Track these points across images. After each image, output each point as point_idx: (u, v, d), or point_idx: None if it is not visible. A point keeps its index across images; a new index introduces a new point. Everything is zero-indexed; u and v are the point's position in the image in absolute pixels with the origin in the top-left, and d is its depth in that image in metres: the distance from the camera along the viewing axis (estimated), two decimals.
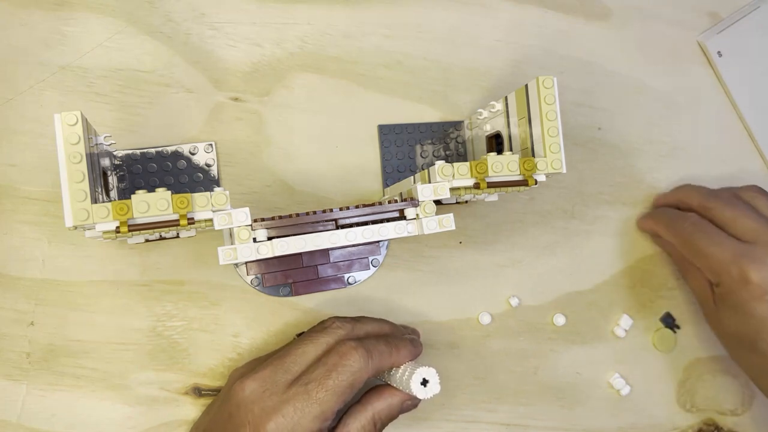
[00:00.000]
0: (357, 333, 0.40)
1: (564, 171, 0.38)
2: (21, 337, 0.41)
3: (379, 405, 0.39)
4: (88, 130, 0.34)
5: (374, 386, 0.40)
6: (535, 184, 0.38)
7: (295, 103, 0.46)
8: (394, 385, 0.39)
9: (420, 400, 0.39)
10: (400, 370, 0.39)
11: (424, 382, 0.37)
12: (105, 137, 0.39)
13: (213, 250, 0.43)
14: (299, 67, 0.46)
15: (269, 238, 0.35)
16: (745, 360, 0.45)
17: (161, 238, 0.42)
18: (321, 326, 0.40)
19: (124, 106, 0.44)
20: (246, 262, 0.43)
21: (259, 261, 0.43)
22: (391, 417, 0.39)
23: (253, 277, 0.44)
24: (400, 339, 0.40)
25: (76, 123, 0.32)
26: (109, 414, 0.42)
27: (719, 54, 0.53)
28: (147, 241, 0.42)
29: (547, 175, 0.38)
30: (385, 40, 0.48)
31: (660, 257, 0.51)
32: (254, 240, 0.34)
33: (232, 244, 0.34)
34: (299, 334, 0.42)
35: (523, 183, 0.38)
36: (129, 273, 0.43)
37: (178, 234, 0.41)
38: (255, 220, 0.34)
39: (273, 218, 0.35)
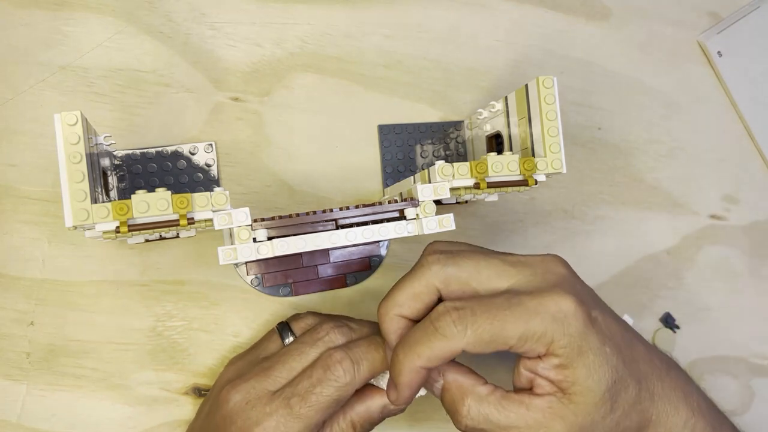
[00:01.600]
0: (353, 339, 0.38)
1: (564, 171, 0.38)
2: (21, 337, 0.41)
3: (359, 408, 0.37)
4: (88, 130, 0.34)
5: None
6: (535, 184, 0.38)
7: (295, 103, 0.46)
8: (377, 386, 0.38)
9: (407, 404, 0.37)
10: (387, 373, 0.37)
11: None
12: (105, 137, 0.39)
13: (213, 250, 0.43)
14: (299, 67, 0.46)
15: (269, 238, 0.35)
16: None
17: (161, 238, 0.42)
18: (315, 335, 0.38)
19: (124, 106, 0.44)
20: (246, 262, 0.43)
21: (259, 261, 0.43)
22: (372, 421, 0.38)
23: (253, 277, 0.43)
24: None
25: (76, 123, 0.32)
26: (109, 414, 0.42)
27: (719, 54, 0.53)
28: (147, 241, 0.42)
29: (547, 175, 0.38)
30: (385, 40, 0.48)
31: (660, 257, 0.51)
32: (254, 240, 0.34)
33: (232, 244, 0.34)
34: (280, 325, 0.41)
35: (523, 183, 0.38)
36: (129, 273, 0.43)
37: (178, 234, 0.41)
38: (255, 220, 0.34)
39: (273, 218, 0.35)
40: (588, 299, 0.34)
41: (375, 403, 0.37)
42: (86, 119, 0.34)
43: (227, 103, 0.45)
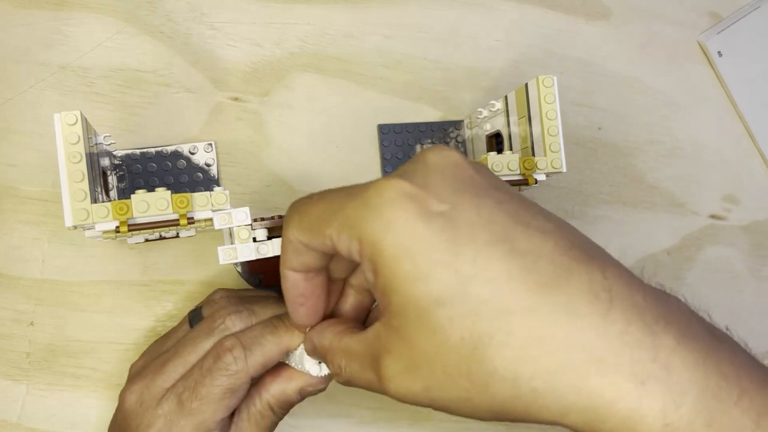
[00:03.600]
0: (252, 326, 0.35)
1: (564, 170, 0.38)
2: (21, 337, 0.41)
3: (274, 389, 0.34)
4: (88, 129, 0.34)
5: (273, 366, 0.35)
6: (535, 183, 0.38)
7: (295, 103, 0.46)
8: (292, 365, 0.35)
9: (326, 384, 0.35)
10: (298, 350, 0.34)
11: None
12: (105, 137, 0.39)
13: (213, 250, 0.43)
14: (299, 67, 0.46)
15: (269, 238, 0.35)
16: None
17: (161, 238, 0.42)
18: (211, 324, 0.35)
19: (124, 106, 0.44)
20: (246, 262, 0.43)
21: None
22: (290, 402, 0.35)
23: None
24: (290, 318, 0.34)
25: (75, 123, 0.32)
26: (110, 414, 0.42)
27: (719, 54, 0.53)
28: (147, 240, 0.42)
29: (547, 174, 0.38)
30: (385, 40, 0.48)
31: (660, 257, 0.51)
32: (254, 239, 0.34)
33: (232, 243, 0.34)
34: (192, 312, 0.38)
35: (523, 182, 0.38)
36: (129, 273, 0.43)
37: (178, 234, 0.41)
38: (255, 220, 0.34)
39: (273, 218, 0.35)
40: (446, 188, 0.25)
41: (291, 384, 0.34)
42: (86, 119, 0.34)
43: (227, 103, 0.45)
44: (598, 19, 0.52)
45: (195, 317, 0.38)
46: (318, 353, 0.32)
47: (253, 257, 0.34)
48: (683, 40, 0.53)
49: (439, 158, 0.26)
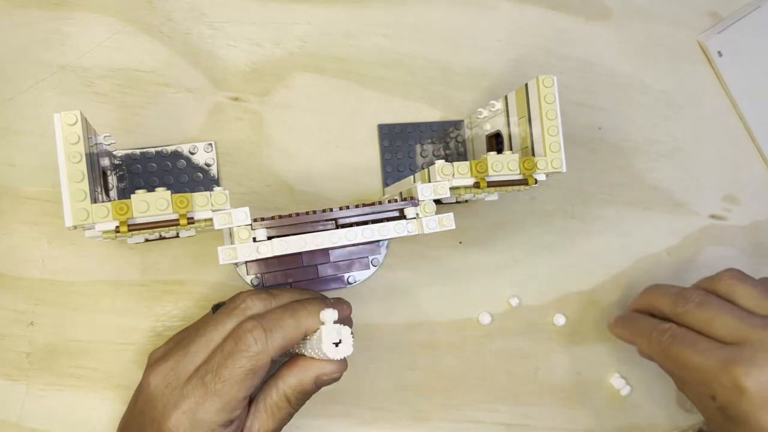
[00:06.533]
0: (272, 307, 0.36)
1: (564, 170, 0.38)
2: (21, 337, 0.41)
3: (290, 379, 0.36)
4: (88, 129, 0.34)
5: (290, 358, 0.37)
6: (535, 183, 0.38)
7: (295, 103, 0.46)
8: (308, 354, 0.36)
9: (341, 372, 0.36)
10: (314, 336, 0.35)
11: (337, 343, 0.34)
12: (105, 137, 0.39)
13: (213, 250, 0.43)
14: (299, 67, 0.46)
15: (269, 238, 0.35)
16: None
17: (161, 238, 0.42)
18: (231, 305, 0.36)
19: (124, 106, 0.44)
20: (246, 262, 0.43)
21: (259, 261, 0.43)
22: (306, 392, 0.36)
23: (253, 276, 0.43)
24: (309, 302, 0.36)
25: (75, 123, 0.32)
26: (109, 414, 0.42)
27: (719, 54, 0.53)
28: (147, 240, 0.42)
29: (547, 175, 0.38)
30: (385, 40, 0.48)
31: (661, 258, 0.51)
32: (254, 239, 0.34)
33: (231, 243, 0.34)
34: (216, 306, 0.39)
35: (523, 182, 0.38)
36: (129, 273, 0.43)
37: (178, 234, 0.41)
38: (255, 220, 0.34)
39: (273, 218, 0.35)
40: None
41: (307, 374, 0.36)
42: (86, 119, 0.34)
43: (227, 103, 0.45)
44: (598, 19, 0.52)
45: (218, 308, 0.38)
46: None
47: (253, 257, 0.34)
48: (683, 40, 0.53)
49: None
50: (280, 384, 0.36)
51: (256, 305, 0.36)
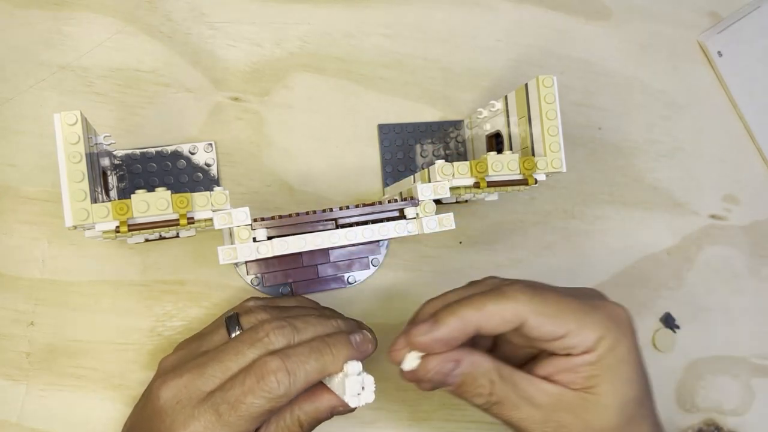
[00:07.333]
0: (296, 343, 0.36)
1: (564, 170, 0.38)
2: (21, 337, 0.41)
3: (308, 407, 0.36)
4: (88, 129, 0.34)
5: None
6: (535, 183, 0.38)
7: (295, 103, 0.46)
8: (329, 386, 0.36)
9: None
10: (338, 376, 0.35)
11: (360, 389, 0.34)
12: (105, 137, 0.39)
13: (213, 250, 0.43)
14: (299, 67, 0.46)
15: (269, 238, 0.35)
16: None
17: (161, 238, 0.42)
18: (254, 335, 0.36)
19: (124, 106, 0.44)
20: (246, 262, 0.43)
21: (259, 261, 0.43)
22: (319, 420, 0.36)
23: (253, 276, 0.43)
24: (335, 343, 0.35)
25: (75, 123, 0.32)
26: (110, 414, 0.42)
27: (719, 54, 0.53)
28: (147, 240, 0.42)
29: (547, 174, 0.38)
30: (385, 40, 0.48)
31: (660, 257, 0.51)
32: (254, 239, 0.34)
33: (231, 243, 0.34)
34: (228, 318, 0.38)
35: (523, 182, 0.38)
36: (129, 273, 0.43)
37: (178, 234, 0.41)
38: (255, 220, 0.34)
39: (273, 218, 0.35)
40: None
41: (324, 403, 0.36)
42: (86, 119, 0.34)
43: (227, 103, 0.45)
44: (598, 19, 0.52)
45: (232, 323, 0.38)
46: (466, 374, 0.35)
47: (253, 257, 0.34)
48: (683, 40, 0.53)
49: None
50: (295, 409, 0.36)
51: (279, 341, 0.35)
